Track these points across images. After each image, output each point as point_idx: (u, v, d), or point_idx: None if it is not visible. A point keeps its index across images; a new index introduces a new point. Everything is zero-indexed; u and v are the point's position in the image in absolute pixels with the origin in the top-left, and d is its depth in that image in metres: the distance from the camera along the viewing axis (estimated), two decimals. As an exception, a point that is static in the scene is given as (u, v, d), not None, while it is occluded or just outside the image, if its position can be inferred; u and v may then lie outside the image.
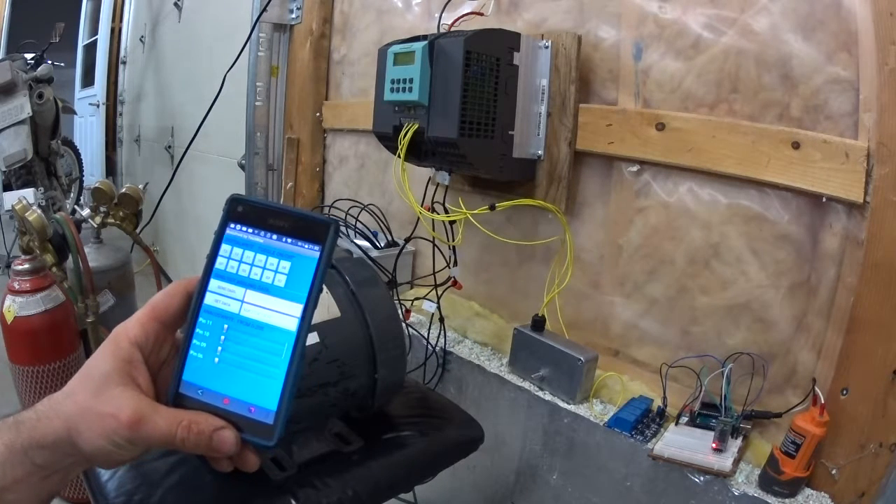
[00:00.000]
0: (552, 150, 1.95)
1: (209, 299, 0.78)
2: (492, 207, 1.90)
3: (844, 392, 1.48)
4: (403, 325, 1.79)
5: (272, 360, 0.77)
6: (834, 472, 1.49)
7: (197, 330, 0.78)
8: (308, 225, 0.78)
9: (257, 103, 3.10)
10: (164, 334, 0.80)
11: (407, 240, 2.24)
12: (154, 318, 0.79)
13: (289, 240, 0.78)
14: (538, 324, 1.97)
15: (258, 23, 3.01)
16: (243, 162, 3.20)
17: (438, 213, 2.02)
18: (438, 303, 2.18)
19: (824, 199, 1.52)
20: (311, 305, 0.77)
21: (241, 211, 0.79)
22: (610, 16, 1.89)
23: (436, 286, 2.17)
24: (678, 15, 1.75)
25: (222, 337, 0.78)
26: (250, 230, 0.78)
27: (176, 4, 5.50)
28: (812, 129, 1.53)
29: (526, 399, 1.96)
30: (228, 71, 3.11)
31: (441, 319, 2.20)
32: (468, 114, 1.75)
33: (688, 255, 1.79)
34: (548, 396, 1.91)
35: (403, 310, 2.26)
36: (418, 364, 2.20)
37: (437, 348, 2.19)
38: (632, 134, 1.81)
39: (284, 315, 0.77)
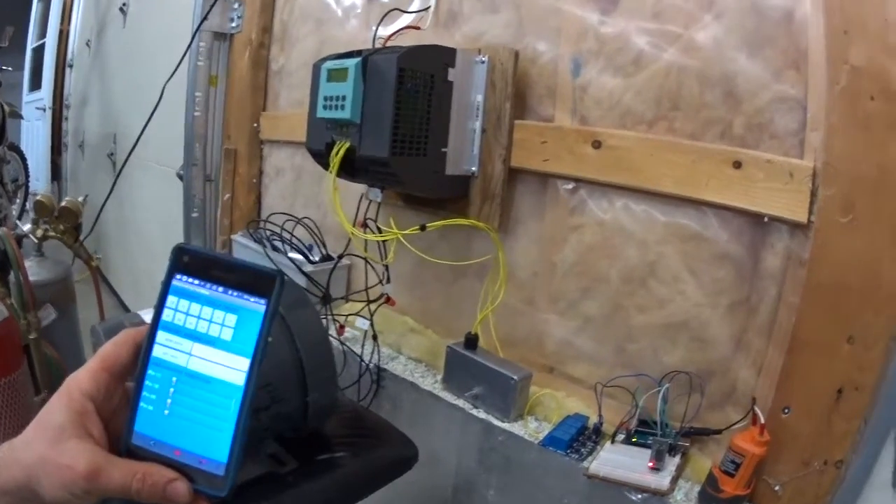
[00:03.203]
0: (486, 167, 1.91)
1: (157, 352, 0.77)
2: (422, 228, 1.84)
3: (786, 410, 1.46)
4: (338, 342, 1.86)
5: (221, 413, 0.75)
6: (777, 488, 1.47)
7: (146, 382, 0.77)
8: (254, 277, 0.76)
9: (196, 113, 3.02)
10: (115, 384, 0.80)
11: (340, 256, 2.19)
12: (104, 369, 0.79)
13: (234, 293, 0.77)
14: (471, 342, 1.92)
15: (199, 31, 2.95)
16: (182, 172, 3.14)
17: (371, 229, 1.98)
18: (371, 320, 2.13)
19: (766, 219, 1.49)
20: (257, 361, 0.76)
21: (186, 261, 0.77)
22: (549, 30, 1.85)
23: (368, 303, 2.11)
24: (619, 30, 1.71)
25: (171, 389, 0.77)
26: (196, 281, 0.77)
27: (121, 9, 5.40)
28: (755, 147, 1.51)
29: (460, 417, 1.91)
30: (168, 80, 3.04)
31: (374, 337, 2.14)
32: (400, 132, 1.70)
33: (623, 273, 1.75)
34: (482, 414, 1.86)
35: (337, 325, 2.21)
36: (353, 381, 2.14)
37: (371, 365, 2.14)
38: (567, 151, 1.77)
39: (231, 369, 0.76)
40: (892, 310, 1.33)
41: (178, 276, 0.77)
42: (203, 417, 0.75)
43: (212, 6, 2.94)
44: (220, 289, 0.76)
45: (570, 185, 1.81)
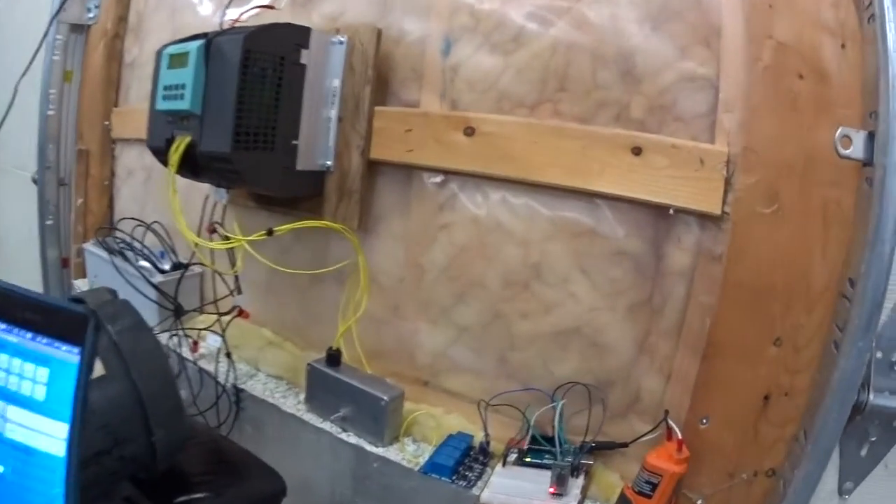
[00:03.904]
0: (343, 160, 1.69)
1: None
2: (269, 232, 1.62)
3: (704, 421, 1.34)
4: (192, 361, 1.73)
5: (46, 490, 0.66)
6: (699, 502, 1.35)
7: None
8: (63, 319, 0.65)
9: (50, 112, 2.76)
10: None
11: (187, 265, 1.99)
12: None
13: (44, 339, 0.65)
14: (333, 358, 1.71)
15: (54, 23, 2.69)
16: (36, 177, 2.87)
17: (221, 234, 1.78)
18: (223, 336, 1.90)
19: (672, 212, 1.35)
20: (76, 426, 0.65)
21: None
22: (418, 6, 1.67)
23: (219, 317, 1.89)
24: (499, 4, 1.55)
25: None
26: (2, 326, 0.67)
27: (-10, 3, 5.09)
28: (657, 132, 1.37)
29: (328, 442, 1.70)
30: (22, 77, 2.76)
31: (228, 355, 1.90)
32: (244, 124, 1.49)
33: (503, 276, 1.57)
34: (352, 439, 1.66)
35: (190, 342, 1.98)
36: (211, 403, 1.89)
37: (229, 385, 1.90)
38: (434, 140, 1.57)
39: (50, 437, 0.66)
40: (825, 308, 1.23)
41: None
42: (30, 495, 0.67)
43: (68, -6, 2.68)
44: (29, 334, 0.67)
45: (439, 178, 1.62)
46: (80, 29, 2.78)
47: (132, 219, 2.24)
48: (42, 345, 0.66)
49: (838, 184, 1.20)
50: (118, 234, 2.26)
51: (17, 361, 0.67)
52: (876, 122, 1.09)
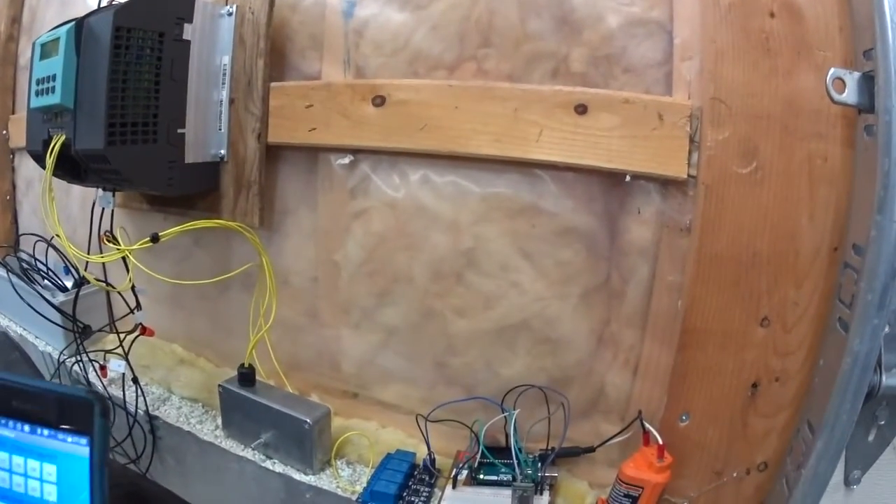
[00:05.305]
0: (238, 148, 1.46)
1: None
2: (154, 239, 1.36)
3: (684, 418, 1.18)
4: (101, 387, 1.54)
5: None
6: None
7: None
8: (65, 406, 0.56)
9: (-46, 126, 2.51)
10: None
11: (81, 282, 1.78)
12: None
13: (46, 431, 0.56)
14: (246, 377, 1.47)
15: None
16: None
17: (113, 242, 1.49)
18: (127, 359, 1.63)
19: (628, 178, 1.16)
20: None
21: None
22: (317, -34, 1.44)
23: (122, 340, 1.62)
24: None
25: None
26: None
27: None
28: (604, 86, 1.18)
29: (253, 472, 1.47)
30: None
31: (135, 380, 1.65)
32: (119, 114, 1.27)
33: (430, 268, 1.36)
34: (279, 467, 1.43)
35: (98, 367, 1.73)
36: (124, 436, 1.65)
37: (141, 412, 1.65)
38: (340, 115, 1.35)
39: None
40: (815, 280, 1.09)
41: None
42: None
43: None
44: (27, 427, 0.56)
45: (347, 159, 1.40)
46: (-23, 35, 2.54)
47: (32, 234, 2.03)
48: (45, 438, 0.57)
49: (823, 136, 1.05)
50: (22, 252, 2.05)
51: (18, 459, 0.58)
52: (875, 63, 0.93)
